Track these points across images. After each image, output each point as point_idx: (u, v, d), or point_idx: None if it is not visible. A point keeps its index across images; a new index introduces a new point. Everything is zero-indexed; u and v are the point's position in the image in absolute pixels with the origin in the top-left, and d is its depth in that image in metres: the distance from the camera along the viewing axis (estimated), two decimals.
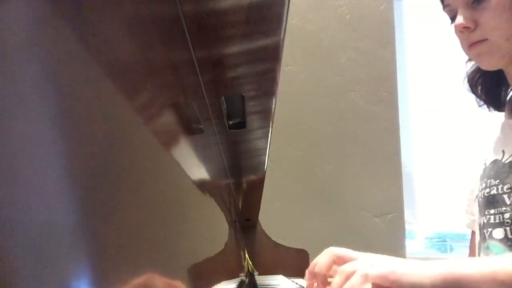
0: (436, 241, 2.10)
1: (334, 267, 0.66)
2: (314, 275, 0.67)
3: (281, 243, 1.39)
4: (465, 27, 0.76)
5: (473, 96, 0.91)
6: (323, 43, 1.88)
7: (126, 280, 0.25)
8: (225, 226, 0.86)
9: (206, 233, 0.61)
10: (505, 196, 0.77)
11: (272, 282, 1.09)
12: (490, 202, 0.80)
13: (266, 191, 1.17)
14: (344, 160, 1.85)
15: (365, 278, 0.53)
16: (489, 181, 0.81)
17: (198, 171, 0.59)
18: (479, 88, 0.88)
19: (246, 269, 1.19)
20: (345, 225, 1.81)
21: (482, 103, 0.90)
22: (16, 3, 0.16)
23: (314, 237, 1.72)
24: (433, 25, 1.99)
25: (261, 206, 1.27)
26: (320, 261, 0.66)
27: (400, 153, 1.87)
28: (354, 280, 0.53)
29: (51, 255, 0.17)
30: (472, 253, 0.96)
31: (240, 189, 1.13)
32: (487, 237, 0.80)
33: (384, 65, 1.90)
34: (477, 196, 0.85)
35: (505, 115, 0.86)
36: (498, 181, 0.79)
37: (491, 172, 0.81)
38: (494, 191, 0.79)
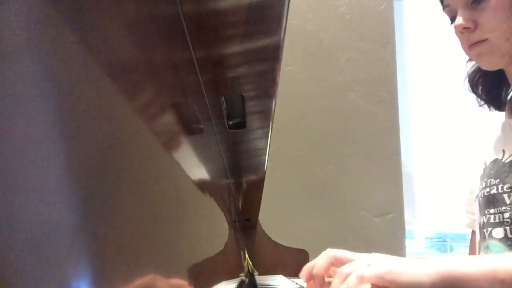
0: (436, 241, 2.10)
1: (333, 268, 0.66)
2: (312, 277, 0.67)
3: (281, 243, 1.39)
4: (465, 28, 0.76)
5: (473, 96, 0.91)
6: (323, 43, 1.89)
7: (126, 280, 0.25)
8: (225, 226, 0.86)
9: (206, 233, 0.61)
10: (505, 196, 0.77)
11: (272, 282, 1.09)
12: (490, 201, 0.80)
13: (266, 191, 1.17)
14: (344, 160, 1.85)
15: (361, 279, 0.53)
16: (489, 180, 0.81)
17: (198, 171, 0.59)
18: (480, 88, 0.89)
19: (246, 269, 1.19)
20: (345, 225, 1.81)
21: (482, 102, 0.90)
22: (16, 3, 0.16)
23: (314, 237, 1.72)
24: (433, 25, 1.99)
25: (261, 206, 1.27)
26: (318, 262, 0.66)
27: (400, 153, 1.87)
28: (349, 281, 0.53)
29: (51, 255, 0.17)
30: (472, 253, 0.96)
31: (240, 189, 1.13)
32: (487, 236, 0.80)
33: (384, 65, 1.90)
34: (477, 195, 0.85)
35: (505, 114, 0.86)
36: (498, 180, 0.79)
37: (491, 172, 0.81)
38: (494, 191, 0.79)
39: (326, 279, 0.67)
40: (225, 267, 0.75)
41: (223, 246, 0.76)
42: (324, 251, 0.68)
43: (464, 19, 0.76)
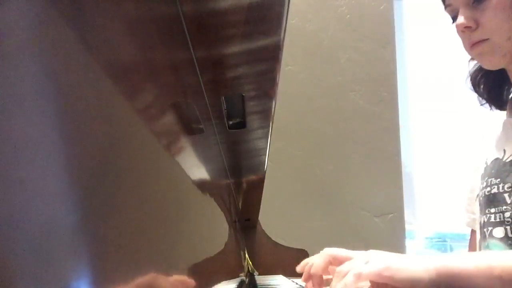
0: (436, 241, 2.10)
1: (331, 267, 0.66)
2: (310, 277, 0.67)
3: (281, 243, 1.39)
4: (466, 27, 0.76)
5: (473, 96, 0.91)
6: (323, 43, 1.89)
7: (126, 280, 0.25)
8: (225, 226, 0.86)
9: (206, 233, 0.61)
10: (506, 195, 0.77)
11: (272, 282, 1.09)
12: (490, 201, 0.80)
13: (266, 191, 1.17)
14: (344, 160, 1.85)
15: (358, 277, 0.53)
16: (490, 179, 0.81)
17: (198, 171, 0.59)
18: (482, 87, 0.89)
19: (246, 269, 1.19)
20: (345, 225, 1.81)
21: (484, 101, 0.90)
22: (16, 3, 0.16)
23: (314, 237, 1.72)
24: (433, 25, 1.99)
25: (261, 206, 1.27)
26: (315, 262, 0.66)
27: (400, 153, 1.87)
28: (347, 279, 0.53)
29: (51, 255, 0.17)
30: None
31: (240, 189, 1.13)
32: (487, 236, 0.80)
33: (384, 65, 1.90)
34: (478, 195, 0.85)
35: (506, 113, 0.86)
36: (499, 179, 0.79)
37: (492, 171, 0.81)
38: (495, 190, 0.79)
39: (324, 277, 0.67)
40: (225, 267, 0.75)
41: (223, 246, 0.76)
42: (322, 250, 0.68)
43: (465, 18, 0.76)
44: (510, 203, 0.76)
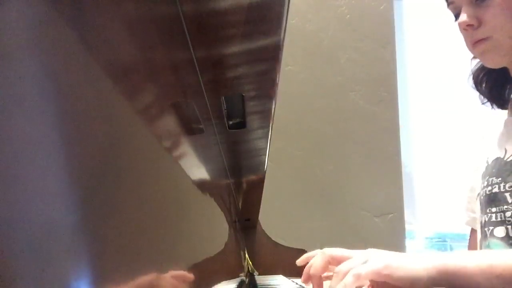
0: (436, 241, 2.10)
1: (331, 267, 0.65)
2: (310, 278, 0.67)
3: (281, 243, 1.39)
4: (468, 25, 0.76)
5: (474, 95, 0.91)
6: (323, 43, 1.88)
7: (126, 280, 0.25)
8: (225, 226, 0.86)
9: (206, 233, 0.61)
10: (507, 195, 0.76)
11: (272, 282, 1.09)
12: (491, 200, 0.79)
13: (266, 191, 1.17)
14: (344, 160, 1.85)
15: (358, 277, 0.53)
16: (491, 179, 0.80)
17: (198, 171, 0.59)
18: (483, 85, 0.88)
19: (246, 269, 1.19)
20: (345, 225, 1.81)
21: (485, 100, 0.90)
22: (16, 3, 0.16)
23: (314, 237, 1.72)
24: (433, 25, 1.99)
25: (261, 206, 1.27)
26: (315, 263, 0.66)
27: (400, 153, 1.87)
28: (346, 280, 0.53)
29: (51, 255, 0.17)
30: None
31: (240, 189, 1.13)
32: (488, 235, 0.80)
33: (384, 65, 1.90)
34: (478, 194, 0.85)
35: (508, 112, 0.86)
36: (500, 179, 0.78)
37: (493, 170, 0.81)
38: (496, 189, 0.79)
39: (325, 274, 0.67)
40: (225, 267, 0.75)
41: (223, 246, 0.76)
42: (320, 250, 0.68)
43: (468, 16, 0.76)
44: (511, 203, 0.76)
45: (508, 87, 0.86)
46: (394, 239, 1.81)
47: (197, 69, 0.48)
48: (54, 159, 0.18)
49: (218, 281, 0.61)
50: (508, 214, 0.76)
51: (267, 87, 0.58)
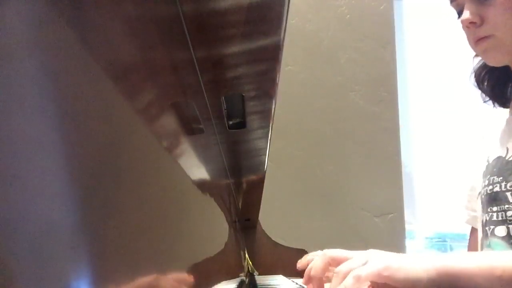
0: (436, 241, 2.10)
1: (331, 268, 0.65)
2: (310, 279, 0.67)
3: (281, 243, 1.39)
4: (471, 22, 0.76)
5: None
6: (323, 43, 1.88)
7: (126, 280, 0.25)
8: (225, 226, 0.86)
9: (206, 233, 0.61)
10: (508, 194, 0.76)
11: (272, 282, 1.09)
12: (493, 199, 0.79)
13: (266, 191, 1.17)
14: (344, 160, 1.85)
15: (358, 278, 0.53)
16: (492, 178, 0.80)
17: (198, 171, 0.59)
18: (485, 83, 0.88)
19: (246, 269, 1.19)
20: (345, 225, 1.81)
21: (487, 98, 0.89)
22: (16, 3, 0.16)
23: (314, 237, 1.72)
24: (433, 25, 1.99)
25: (261, 206, 1.27)
26: (315, 264, 0.66)
27: (400, 153, 1.87)
28: (346, 282, 0.53)
29: (51, 255, 0.17)
30: (471, 251, 0.96)
31: (240, 189, 1.13)
32: (489, 234, 0.80)
33: (384, 65, 1.90)
34: (479, 193, 0.85)
35: (510, 111, 0.86)
36: (501, 178, 0.78)
37: (494, 169, 0.81)
38: (497, 188, 0.79)
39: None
40: (225, 267, 0.75)
41: (223, 246, 0.76)
42: (321, 252, 0.68)
43: (471, 13, 0.75)
44: None
45: (510, 85, 0.86)
46: (394, 239, 1.81)
47: (197, 69, 0.48)
48: (54, 159, 0.18)
49: (218, 281, 0.61)
50: (509, 213, 0.76)
51: (267, 87, 0.57)
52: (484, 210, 0.82)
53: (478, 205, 0.86)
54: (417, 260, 0.54)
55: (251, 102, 0.60)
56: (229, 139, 0.73)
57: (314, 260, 0.67)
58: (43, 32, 0.18)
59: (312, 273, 0.65)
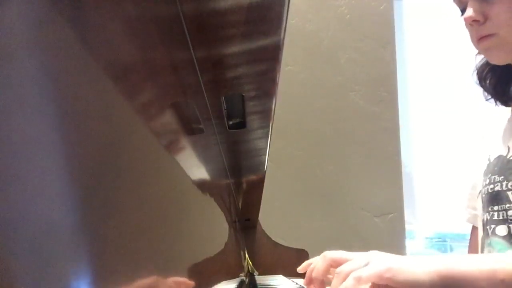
0: (436, 241, 2.10)
1: (332, 270, 0.65)
2: (311, 281, 0.67)
3: (281, 243, 1.39)
4: (474, 20, 0.76)
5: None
6: (323, 43, 1.88)
7: (126, 280, 0.25)
8: (225, 226, 0.86)
9: (206, 233, 0.61)
10: (509, 193, 0.76)
11: (272, 282, 1.09)
12: (494, 198, 0.79)
13: (266, 191, 1.17)
14: (344, 160, 1.85)
15: (358, 280, 0.53)
16: (493, 177, 0.80)
17: (198, 171, 0.59)
18: (488, 81, 0.88)
19: (246, 269, 1.19)
20: (345, 225, 1.81)
21: (489, 97, 0.89)
22: (16, 3, 0.16)
23: (314, 237, 1.72)
24: (433, 25, 1.99)
25: (261, 206, 1.27)
26: (316, 266, 0.66)
27: (400, 153, 1.87)
28: (347, 283, 0.53)
29: (51, 255, 0.17)
30: (471, 250, 0.96)
31: (240, 189, 1.13)
32: (490, 233, 0.80)
33: (384, 65, 1.90)
34: (480, 192, 0.85)
35: (511, 110, 0.86)
36: (502, 177, 0.78)
37: (495, 168, 0.81)
38: (498, 188, 0.78)
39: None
40: (225, 267, 0.75)
41: (223, 246, 0.76)
42: (322, 254, 0.68)
43: (474, 11, 0.75)
44: None
45: None
46: (394, 239, 1.81)
47: (197, 69, 0.48)
48: (54, 159, 0.18)
49: (218, 281, 0.61)
50: (510, 212, 0.76)
51: (267, 87, 0.57)
52: (485, 209, 0.82)
53: (478, 204, 0.86)
54: (419, 262, 0.53)
55: (251, 102, 0.60)
56: (229, 139, 0.73)
57: (315, 262, 0.67)
58: (43, 32, 0.18)
59: (314, 274, 0.66)
